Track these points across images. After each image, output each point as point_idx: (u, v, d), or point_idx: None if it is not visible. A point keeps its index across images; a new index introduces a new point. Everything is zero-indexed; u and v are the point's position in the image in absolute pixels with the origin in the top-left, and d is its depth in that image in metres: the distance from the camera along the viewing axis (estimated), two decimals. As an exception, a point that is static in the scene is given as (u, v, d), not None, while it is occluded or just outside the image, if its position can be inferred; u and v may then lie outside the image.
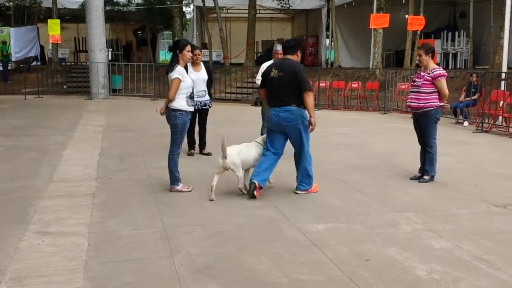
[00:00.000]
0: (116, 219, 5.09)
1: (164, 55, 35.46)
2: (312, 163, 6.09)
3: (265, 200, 5.78)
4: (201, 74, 7.86)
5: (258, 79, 8.32)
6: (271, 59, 8.35)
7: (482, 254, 4.22)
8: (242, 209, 5.45)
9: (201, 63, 7.94)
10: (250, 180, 5.82)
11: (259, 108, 8.60)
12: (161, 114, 6.08)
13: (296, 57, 6.06)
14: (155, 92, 17.94)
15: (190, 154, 8.20)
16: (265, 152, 5.99)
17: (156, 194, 5.98)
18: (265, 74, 6.07)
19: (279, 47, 8.16)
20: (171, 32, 28.62)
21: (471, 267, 4.00)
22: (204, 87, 7.89)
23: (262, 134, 7.08)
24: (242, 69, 19.19)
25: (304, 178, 6.04)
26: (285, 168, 7.34)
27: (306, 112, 5.88)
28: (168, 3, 25.09)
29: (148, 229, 4.82)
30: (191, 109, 5.99)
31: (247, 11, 21.33)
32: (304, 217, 5.18)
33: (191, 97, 5.95)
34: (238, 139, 8.26)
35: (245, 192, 5.89)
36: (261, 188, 5.83)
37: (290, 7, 22.39)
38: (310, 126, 5.92)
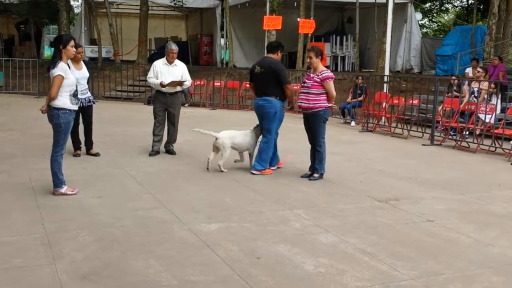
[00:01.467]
0: (-8, 226, 4.70)
1: (49, 51, 33.50)
2: (273, 150, 7.18)
3: (156, 201, 5.65)
4: (83, 72, 7.74)
5: (150, 77, 8.16)
6: (163, 57, 8.20)
7: (365, 247, 4.44)
8: (130, 211, 5.27)
9: (82, 60, 7.83)
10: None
11: (151, 107, 8.41)
12: (42, 112, 5.72)
13: (276, 56, 7.16)
14: (39, 90, 16.88)
15: (76, 155, 7.83)
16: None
17: (38, 198, 5.60)
18: (252, 70, 7.22)
19: (174, 46, 8.11)
20: (57, 27, 27.10)
21: (355, 259, 4.18)
22: (86, 84, 7.79)
23: None
24: (134, 66, 18.70)
25: (260, 160, 7.04)
26: (170, 168, 7.26)
27: (284, 103, 7.13)
28: (55, -4, 23.74)
29: (29, 235, 4.50)
30: (75, 107, 5.69)
31: (138, 7, 20.81)
32: (196, 217, 5.12)
33: (74, 95, 5.65)
34: (130, 139, 8.07)
35: (223, 170, 7.05)
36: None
37: (184, 5, 22.17)
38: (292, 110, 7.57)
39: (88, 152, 7.98)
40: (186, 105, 15.78)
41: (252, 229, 4.85)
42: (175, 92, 8.17)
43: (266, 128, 7.10)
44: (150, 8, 21.75)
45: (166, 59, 8.10)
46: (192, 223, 4.95)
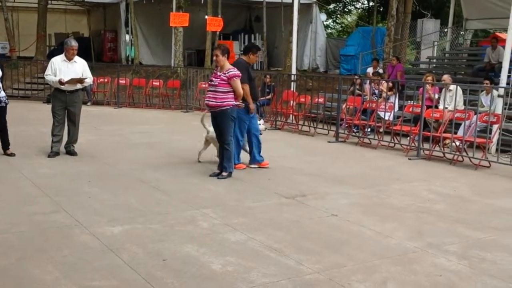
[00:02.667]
0: None
1: None
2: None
3: (55, 205, 5.35)
4: None
5: (48, 74, 7.74)
6: (63, 53, 7.80)
7: (272, 243, 4.48)
8: (27, 216, 4.95)
9: None
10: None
11: (50, 106, 7.99)
12: None
13: (246, 57, 7.43)
14: None
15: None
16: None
17: None
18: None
19: (73, 42, 7.80)
20: None
21: (262, 256, 4.21)
22: None
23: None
24: (32, 63, 17.68)
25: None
26: (70, 169, 6.96)
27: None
28: None
29: None
30: None
31: (37, 1, 19.71)
32: (98, 221, 4.91)
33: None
34: (27, 139, 7.61)
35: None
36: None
37: (85, 0, 21.31)
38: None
39: (5, 153, 7.62)
40: (89, 103, 15.20)
41: (158, 231, 4.73)
42: (75, 90, 7.80)
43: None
44: (49, 2, 20.67)
45: (65, 55, 7.72)
46: (94, 226, 4.73)
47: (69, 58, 7.72)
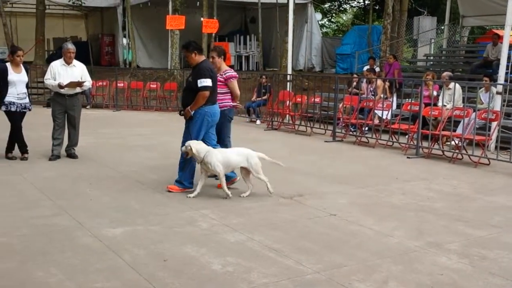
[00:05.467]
0: None
1: None
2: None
3: (57, 208, 5.41)
4: (22, 76, 7.62)
5: (47, 78, 7.82)
6: (62, 57, 7.89)
7: (271, 243, 4.54)
8: (29, 219, 5.01)
9: (21, 64, 7.64)
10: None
11: (50, 110, 8.07)
12: None
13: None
14: None
15: (23, 159, 7.70)
16: (216, 147, 6.25)
17: None
18: (214, 74, 6.26)
19: (70, 46, 7.89)
20: None
21: (261, 256, 4.26)
22: (24, 89, 7.66)
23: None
24: (31, 67, 17.67)
25: None
26: (71, 172, 7.02)
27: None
28: None
29: None
30: None
31: (35, 6, 19.77)
32: (100, 222, 4.97)
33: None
34: (28, 143, 7.66)
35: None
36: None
37: (83, 4, 21.37)
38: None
39: (6, 156, 7.77)
40: (88, 106, 15.29)
41: (159, 232, 4.79)
42: (75, 93, 7.89)
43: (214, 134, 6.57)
44: (47, 7, 20.72)
45: (64, 59, 7.81)
46: (96, 228, 4.79)
47: (68, 62, 7.80)
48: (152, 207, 5.56)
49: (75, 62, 7.89)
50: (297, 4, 16.60)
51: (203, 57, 6.31)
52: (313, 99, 12.06)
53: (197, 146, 5.92)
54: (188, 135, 6.22)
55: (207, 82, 6.02)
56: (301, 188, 6.51)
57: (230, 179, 6.38)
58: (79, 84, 7.81)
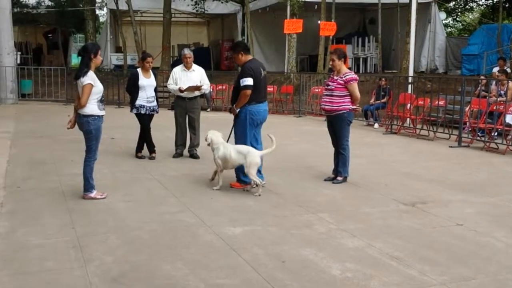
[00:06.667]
0: (26, 229, 4.81)
1: (76, 59, 34.14)
2: None
3: (181, 205, 5.69)
4: (151, 81, 8.14)
5: (170, 83, 8.31)
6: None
7: (392, 251, 4.39)
8: (157, 215, 5.33)
9: (150, 70, 8.17)
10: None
11: (173, 112, 8.57)
12: (68, 128, 5.86)
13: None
14: (67, 97, 17.20)
15: (151, 158, 8.19)
16: (257, 146, 6.45)
17: (68, 202, 5.70)
18: (258, 74, 6.38)
19: (186, 51, 8.30)
20: (83, 36, 27.59)
21: (382, 264, 4.14)
22: (153, 93, 8.17)
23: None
24: (158, 73, 18.81)
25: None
26: (194, 172, 7.30)
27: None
28: (81, 5, 24.17)
29: (60, 239, 4.59)
30: (103, 113, 5.78)
31: (162, 15, 21.05)
32: (220, 221, 5.14)
33: (101, 101, 5.76)
34: (155, 143, 8.18)
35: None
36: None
37: (206, 12, 22.34)
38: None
39: (136, 155, 8.28)
40: (208, 109, 15.88)
41: (276, 233, 4.84)
42: (194, 96, 8.29)
43: (260, 135, 6.65)
44: (173, 15, 21.98)
45: (184, 65, 8.23)
46: (217, 226, 4.97)
47: (187, 67, 8.22)
48: (269, 208, 5.64)
49: (194, 66, 8.29)
50: (420, 3, 15.98)
51: (249, 57, 6.53)
52: (436, 102, 11.50)
53: (213, 136, 6.41)
54: (235, 133, 6.52)
55: (248, 81, 6.22)
56: (423, 195, 6.24)
57: (245, 182, 6.44)
58: (198, 88, 8.18)
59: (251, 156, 6.10)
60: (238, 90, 6.36)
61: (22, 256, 4.17)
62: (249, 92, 6.26)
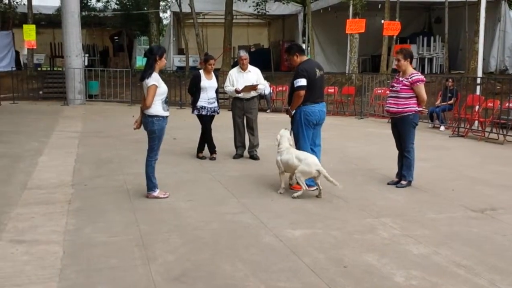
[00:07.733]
0: (92, 226, 4.98)
1: (141, 61, 35.21)
2: None
3: (242, 206, 5.72)
4: (212, 82, 8.24)
5: (226, 85, 8.39)
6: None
7: (460, 260, 4.21)
8: (218, 216, 5.37)
9: (212, 71, 8.26)
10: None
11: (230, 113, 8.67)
12: (135, 128, 6.02)
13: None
14: (132, 98, 17.74)
15: (212, 159, 8.29)
16: (314, 148, 6.50)
17: (133, 201, 5.86)
18: (312, 75, 6.34)
19: (242, 53, 8.36)
20: (147, 38, 28.39)
21: (449, 272, 3.98)
22: (214, 94, 8.28)
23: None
24: (219, 74, 19.08)
25: None
26: (254, 173, 7.30)
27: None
28: (145, 8, 24.89)
29: (124, 236, 4.72)
30: (167, 114, 5.91)
31: (223, 17, 21.30)
32: (281, 223, 5.12)
33: (166, 102, 5.88)
34: (216, 144, 8.27)
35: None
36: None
37: (267, 13, 22.39)
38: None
39: (197, 156, 8.40)
40: (268, 110, 15.88)
41: (338, 237, 4.76)
42: (251, 97, 8.32)
43: (319, 137, 6.67)
44: (234, 17, 22.17)
45: (240, 66, 8.27)
46: (277, 228, 4.95)
47: (243, 68, 8.26)
48: (330, 211, 5.57)
49: (250, 67, 8.32)
50: (489, 1, 15.31)
51: (304, 58, 6.52)
52: (507, 104, 10.97)
53: (281, 140, 6.40)
54: (293, 134, 6.52)
55: (301, 82, 6.22)
56: (493, 202, 5.96)
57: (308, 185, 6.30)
58: (254, 87, 8.20)
59: (305, 164, 6.02)
60: (293, 92, 6.37)
61: (88, 253, 4.31)
62: (302, 92, 6.25)
